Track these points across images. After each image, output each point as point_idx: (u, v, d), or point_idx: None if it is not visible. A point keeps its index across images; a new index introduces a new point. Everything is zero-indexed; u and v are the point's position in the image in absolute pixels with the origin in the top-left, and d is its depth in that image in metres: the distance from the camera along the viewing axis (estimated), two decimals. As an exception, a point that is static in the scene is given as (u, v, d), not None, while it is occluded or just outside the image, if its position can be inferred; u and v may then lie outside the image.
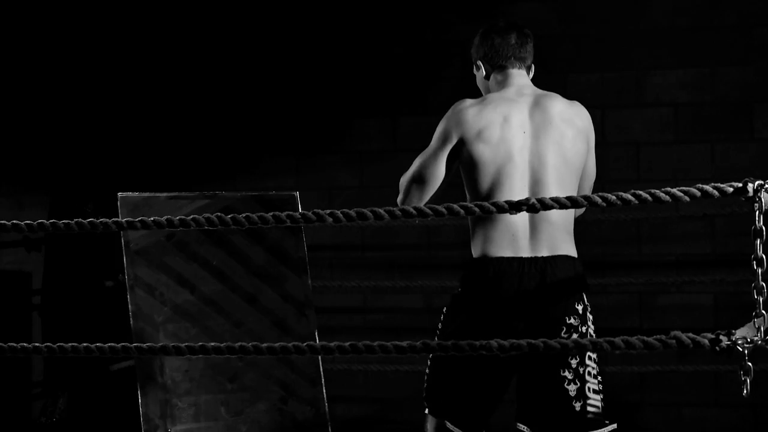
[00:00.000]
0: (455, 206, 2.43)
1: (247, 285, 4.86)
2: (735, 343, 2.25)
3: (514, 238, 3.01)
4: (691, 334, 2.30)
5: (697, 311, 5.50)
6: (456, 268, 5.79)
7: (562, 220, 3.05)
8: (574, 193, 3.07)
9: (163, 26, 6.29)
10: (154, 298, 4.66)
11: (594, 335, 3.11)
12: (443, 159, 3.12)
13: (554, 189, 3.01)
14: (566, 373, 2.99)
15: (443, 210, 2.42)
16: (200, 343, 2.53)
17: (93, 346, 2.54)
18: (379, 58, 5.98)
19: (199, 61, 6.25)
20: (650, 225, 5.56)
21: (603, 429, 3.04)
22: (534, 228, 3.02)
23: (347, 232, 5.90)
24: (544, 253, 3.02)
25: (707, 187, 2.31)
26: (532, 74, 3.34)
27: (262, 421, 4.59)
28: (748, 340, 2.25)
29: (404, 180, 3.21)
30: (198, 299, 4.75)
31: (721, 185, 2.31)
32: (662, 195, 2.33)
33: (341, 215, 2.44)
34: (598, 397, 3.03)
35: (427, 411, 3.17)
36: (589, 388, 3.00)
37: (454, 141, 3.12)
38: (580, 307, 3.05)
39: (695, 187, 2.31)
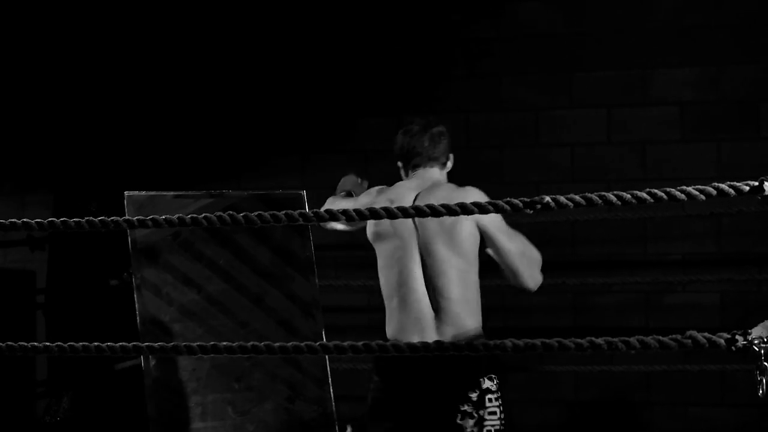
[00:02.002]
0: (467, 206, 2.41)
1: (253, 285, 4.84)
2: (751, 342, 2.23)
3: (417, 321, 3.28)
4: (707, 334, 2.28)
5: (703, 310, 5.49)
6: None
7: (462, 297, 3.30)
8: (469, 279, 3.36)
9: (169, 25, 6.28)
10: (160, 298, 4.64)
11: (495, 413, 3.32)
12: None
13: (445, 277, 3.30)
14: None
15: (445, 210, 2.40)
16: (212, 343, 2.51)
17: (105, 345, 2.52)
18: (384, 57, 5.97)
19: (204, 59, 6.23)
20: (656, 224, 5.55)
21: None
22: (435, 307, 3.28)
23: (352, 232, 5.88)
24: (446, 335, 3.22)
25: (723, 186, 2.29)
26: (450, 165, 3.59)
27: (269, 421, 4.57)
28: (765, 339, 2.23)
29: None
30: (204, 299, 4.74)
31: (737, 184, 2.28)
32: (677, 194, 2.31)
33: (354, 214, 2.42)
34: None
35: None
36: None
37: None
38: (474, 395, 3.25)
39: (711, 186, 2.29)
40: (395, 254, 3.38)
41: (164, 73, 6.26)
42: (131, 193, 4.60)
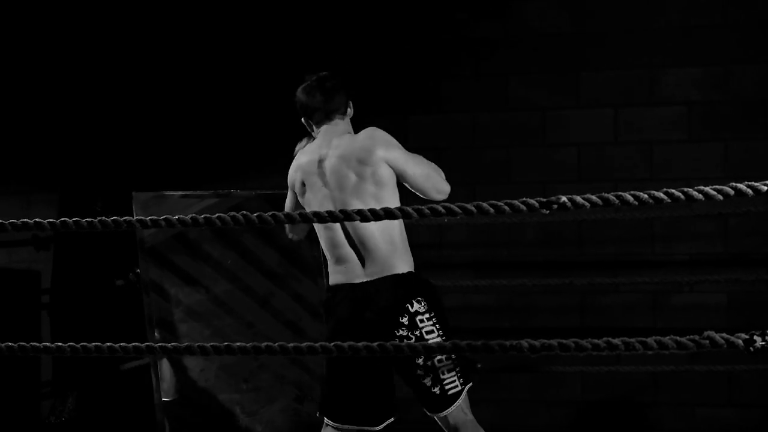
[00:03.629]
0: (468, 206, 2.40)
1: (259, 286, 4.83)
2: (770, 343, 2.22)
3: (346, 269, 3.48)
4: (724, 335, 2.27)
5: (710, 311, 5.48)
6: (467, 267, 5.80)
7: (383, 246, 3.46)
8: (392, 223, 3.49)
9: (175, 25, 6.27)
10: (167, 299, 4.64)
11: (433, 331, 3.45)
12: (292, 205, 3.71)
13: (375, 232, 3.46)
14: (420, 372, 3.44)
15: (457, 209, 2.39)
16: (225, 343, 2.50)
17: (117, 346, 2.51)
18: (391, 56, 5.95)
19: (210, 59, 6.22)
20: (663, 224, 5.54)
21: (464, 393, 3.49)
22: (361, 258, 3.47)
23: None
24: (372, 277, 3.46)
25: (741, 186, 2.28)
26: (350, 112, 3.74)
27: (277, 421, 4.57)
28: (783, 340, 2.22)
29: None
30: (210, 300, 4.73)
31: (755, 183, 2.27)
32: (695, 193, 2.30)
33: (368, 213, 2.41)
34: (452, 373, 3.46)
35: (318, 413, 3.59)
36: (441, 371, 3.44)
37: (293, 190, 3.67)
38: (405, 319, 3.43)
39: (729, 186, 2.29)
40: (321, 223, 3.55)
41: (170, 72, 6.25)
42: (138, 192, 4.60)
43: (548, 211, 2.33)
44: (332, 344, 2.45)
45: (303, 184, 3.58)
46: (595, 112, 5.68)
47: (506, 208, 2.38)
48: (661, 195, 2.31)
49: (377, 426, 3.50)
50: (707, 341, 2.27)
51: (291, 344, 2.48)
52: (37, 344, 2.59)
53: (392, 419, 3.55)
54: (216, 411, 4.50)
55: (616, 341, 2.32)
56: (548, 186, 5.69)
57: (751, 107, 5.49)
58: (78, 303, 6.05)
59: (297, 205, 3.66)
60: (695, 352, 5.27)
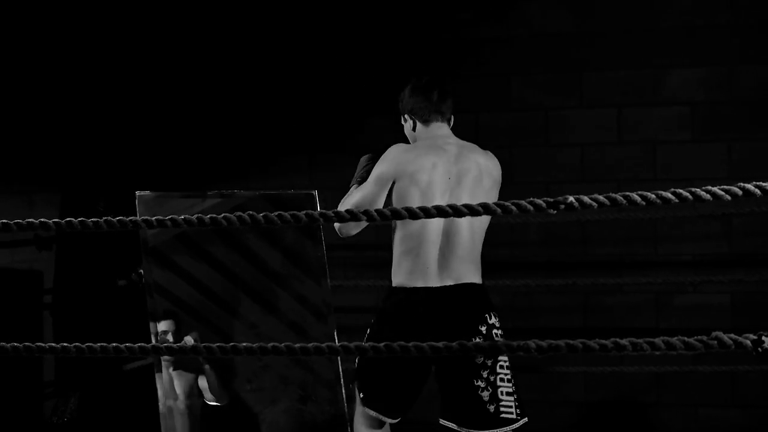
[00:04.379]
0: (475, 206, 2.39)
1: (262, 287, 4.82)
2: (779, 344, 2.21)
3: (426, 271, 3.48)
4: (732, 335, 2.26)
5: (713, 311, 5.47)
6: (470, 267, 5.79)
7: (468, 254, 3.49)
8: (484, 231, 3.57)
9: (176, 25, 6.26)
10: (170, 299, 4.63)
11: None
12: (382, 197, 3.59)
13: (466, 228, 3.48)
14: (479, 383, 3.43)
15: (448, 210, 2.38)
16: (231, 344, 2.50)
17: (123, 346, 2.51)
18: (392, 56, 5.95)
19: (212, 60, 6.22)
20: (667, 224, 5.53)
21: (516, 425, 3.49)
22: (443, 262, 3.48)
23: (361, 231, 5.86)
24: (449, 282, 3.48)
25: (749, 186, 2.27)
26: (452, 123, 3.75)
27: (281, 422, 4.56)
28: (792, 341, 2.22)
29: (341, 209, 3.56)
30: (212, 301, 4.72)
31: (763, 184, 2.27)
32: (703, 194, 2.29)
33: (375, 213, 2.40)
34: (511, 398, 3.48)
35: (360, 401, 3.67)
36: (501, 392, 3.45)
37: (391, 181, 3.56)
38: (483, 328, 3.45)
39: (737, 186, 2.28)
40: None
41: (172, 72, 6.25)
42: (141, 192, 4.59)
43: (555, 212, 2.33)
44: (339, 345, 2.45)
45: (419, 176, 3.51)
46: (598, 112, 5.68)
47: (513, 208, 2.37)
48: (669, 195, 2.31)
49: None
50: (715, 342, 2.26)
51: (283, 344, 2.47)
52: (43, 344, 2.58)
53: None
54: (219, 411, 4.49)
55: (624, 342, 2.31)
56: (551, 186, 5.69)
57: (755, 107, 5.48)
58: (80, 303, 6.04)
59: (379, 201, 3.58)
60: (699, 353, 5.27)
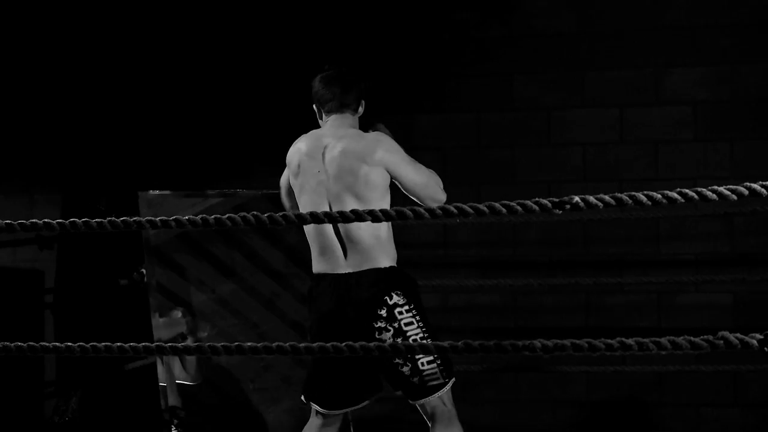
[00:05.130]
0: (476, 206, 2.39)
1: (264, 287, 4.82)
2: (785, 343, 2.21)
3: (330, 258, 3.59)
4: (738, 335, 2.26)
5: (716, 311, 5.47)
6: (473, 266, 5.79)
7: (368, 240, 3.55)
8: (382, 206, 3.55)
9: (178, 24, 6.25)
10: (172, 299, 4.63)
11: (413, 323, 3.59)
12: (287, 188, 3.83)
13: (362, 228, 3.54)
14: (397, 359, 3.55)
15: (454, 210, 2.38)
16: (236, 343, 2.49)
17: (127, 345, 2.50)
18: (395, 55, 5.94)
19: (214, 58, 6.21)
20: (669, 224, 5.53)
21: (444, 388, 3.59)
22: (345, 249, 3.57)
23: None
24: (352, 269, 3.57)
25: (755, 186, 2.26)
26: (361, 110, 3.80)
27: (283, 421, 4.56)
28: (798, 340, 2.21)
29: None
30: (215, 301, 4.72)
31: (770, 183, 2.26)
32: (708, 193, 2.28)
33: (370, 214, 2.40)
34: (433, 365, 3.57)
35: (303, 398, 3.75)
36: (421, 363, 3.55)
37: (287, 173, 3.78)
38: (383, 311, 3.54)
39: (743, 186, 2.27)
40: (309, 206, 3.63)
41: (173, 71, 6.24)
42: (144, 192, 4.59)
43: (561, 211, 2.32)
44: (344, 344, 2.44)
45: (299, 166, 3.68)
46: (600, 111, 5.67)
47: (519, 208, 2.36)
48: (675, 195, 2.30)
49: (359, 404, 3.71)
50: (722, 341, 2.26)
51: (275, 344, 2.47)
52: (47, 344, 2.58)
53: (375, 396, 3.72)
54: (222, 411, 4.49)
55: (630, 341, 2.31)
56: (553, 186, 5.68)
57: (757, 107, 5.48)
58: (82, 302, 6.04)
59: (287, 190, 3.82)
60: (701, 352, 5.26)
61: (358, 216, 2.44)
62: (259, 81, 6.15)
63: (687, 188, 2.31)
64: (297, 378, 4.68)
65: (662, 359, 5.29)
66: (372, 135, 3.69)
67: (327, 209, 3.59)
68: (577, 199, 2.34)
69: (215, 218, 2.50)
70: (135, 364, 5.88)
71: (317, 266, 3.65)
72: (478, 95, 5.81)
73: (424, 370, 3.56)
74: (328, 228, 3.59)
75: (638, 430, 5.59)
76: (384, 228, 3.61)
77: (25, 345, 2.57)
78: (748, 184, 2.28)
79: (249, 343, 2.49)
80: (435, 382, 3.58)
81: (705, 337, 2.27)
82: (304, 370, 4.70)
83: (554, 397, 5.68)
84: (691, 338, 2.27)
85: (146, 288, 4.64)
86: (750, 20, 5.49)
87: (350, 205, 3.55)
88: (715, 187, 2.29)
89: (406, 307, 3.56)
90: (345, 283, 3.57)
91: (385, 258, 3.60)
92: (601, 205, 2.34)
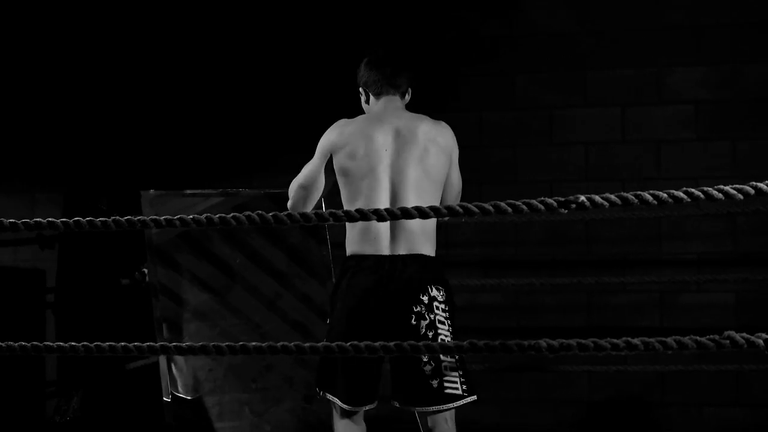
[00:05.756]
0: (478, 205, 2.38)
1: (266, 287, 4.81)
2: (791, 343, 2.20)
3: (377, 239, 3.47)
4: (744, 334, 2.25)
5: (718, 310, 5.46)
6: (474, 266, 5.79)
7: (417, 225, 3.48)
8: (435, 202, 3.54)
9: (179, 24, 6.25)
10: (174, 299, 4.62)
11: (444, 322, 3.49)
12: (322, 171, 3.62)
13: (413, 199, 3.48)
14: (423, 357, 3.43)
15: (457, 210, 2.37)
16: (240, 343, 2.49)
17: (132, 345, 2.50)
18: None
19: (215, 58, 6.21)
20: (671, 223, 5.53)
21: (462, 401, 3.47)
22: (393, 231, 3.48)
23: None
24: (400, 251, 3.48)
25: (761, 185, 2.26)
26: (408, 98, 3.75)
27: (285, 421, 4.55)
28: (804, 340, 2.21)
29: (292, 187, 3.68)
30: (217, 301, 4.71)
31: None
32: (715, 193, 2.28)
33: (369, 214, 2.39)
34: (455, 374, 3.45)
35: (321, 393, 3.60)
36: (445, 367, 3.43)
37: (328, 154, 3.61)
38: (425, 298, 3.46)
39: (749, 185, 2.27)
40: (364, 183, 3.52)
41: (175, 71, 6.24)
42: (147, 191, 4.59)
43: (566, 211, 2.31)
44: (348, 344, 2.44)
45: (354, 149, 3.54)
46: (602, 111, 5.67)
47: (524, 207, 2.36)
48: (681, 194, 2.29)
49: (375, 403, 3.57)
50: (728, 341, 2.25)
51: (279, 344, 2.46)
52: (51, 344, 2.57)
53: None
54: (224, 410, 4.49)
55: (636, 341, 2.30)
56: (555, 185, 5.68)
57: (759, 106, 5.48)
58: (83, 302, 6.04)
59: (321, 174, 3.62)
60: (704, 352, 5.25)
61: (362, 215, 2.43)
62: (261, 80, 6.15)
63: (688, 188, 2.30)
64: (299, 378, 4.68)
65: (665, 359, 5.29)
66: (446, 126, 3.64)
67: (389, 191, 3.50)
68: (583, 198, 2.34)
69: (220, 217, 2.49)
70: (136, 364, 5.88)
71: (358, 246, 3.51)
72: (480, 95, 5.81)
73: (445, 375, 3.44)
74: (381, 206, 3.45)
75: (640, 430, 5.59)
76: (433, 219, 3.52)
77: (29, 345, 2.56)
78: (754, 183, 2.28)
79: (254, 343, 2.48)
80: (454, 392, 3.45)
81: (711, 336, 2.27)
82: (306, 371, 4.70)
83: (556, 397, 5.67)
84: (697, 338, 2.27)
85: (148, 287, 4.64)
86: (752, 19, 5.49)
87: (417, 185, 3.49)
88: (722, 187, 2.29)
89: (443, 306, 3.49)
90: (391, 263, 3.46)
91: (431, 247, 3.54)
92: (607, 204, 2.33)
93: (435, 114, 5.83)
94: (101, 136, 6.27)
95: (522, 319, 5.73)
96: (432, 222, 3.55)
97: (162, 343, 2.47)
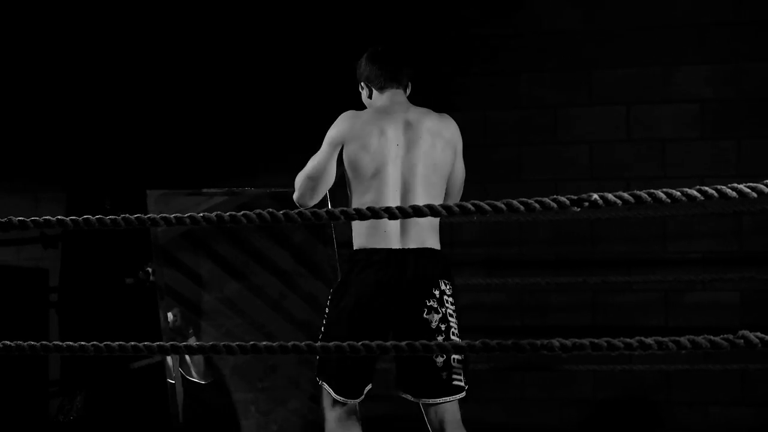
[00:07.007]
0: (475, 204, 2.37)
1: (270, 287, 4.81)
2: (806, 342, 2.19)
3: (387, 234, 3.46)
4: (759, 334, 2.24)
5: (723, 309, 5.45)
6: (479, 265, 5.78)
7: (427, 220, 3.45)
8: (441, 196, 3.57)
9: (183, 23, 6.24)
10: (177, 299, 4.62)
11: (452, 316, 3.51)
12: (333, 162, 3.57)
13: (422, 194, 3.49)
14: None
15: (461, 209, 2.36)
16: (251, 342, 2.48)
17: (141, 345, 2.48)
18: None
19: (220, 57, 6.20)
20: (676, 222, 5.52)
21: (462, 393, 3.49)
22: (403, 225, 3.47)
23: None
24: (411, 245, 3.47)
25: (761, 185, 2.24)
26: (409, 91, 3.74)
27: (292, 420, 4.55)
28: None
29: (299, 178, 3.64)
30: (221, 301, 4.71)
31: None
32: (728, 191, 2.27)
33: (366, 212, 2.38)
34: (461, 366, 3.49)
35: (319, 381, 3.57)
36: (454, 359, 3.45)
37: (340, 146, 3.57)
38: (437, 292, 3.48)
39: (763, 183, 2.25)
40: (374, 176, 3.50)
41: (178, 70, 6.23)
42: (152, 190, 4.58)
43: (579, 209, 2.30)
44: (360, 344, 2.43)
45: (366, 142, 3.51)
46: (607, 109, 5.66)
47: (536, 205, 2.35)
48: (694, 192, 2.28)
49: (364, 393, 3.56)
50: (741, 341, 2.24)
51: (276, 343, 2.45)
52: (59, 343, 2.56)
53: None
54: (230, 410, 4.48)
55: (649, 340, 2.29)
56: (560, 184, 5.67)
57: (764, 105, 5.47)
58: (87, 301, 6.02)
59: (331, 165, 3.57)
60: (709, 351, 5.24)
61: (374, 214, 2.42)
62: (265, 79, 6.14)
63: (693, 186, 2.29)
64: (304, 378, 4.67)
65: (670, 358, 5.29)
66: (452, 121, 3.65)
67: (400, 186, 3.49)
68: (596, 196, 2.32)
69: (230, 215, 2.48)
70: (140, 363, 5.87)
71: (367, 240, 3.48)
72: (485, 93, 5.80)
73: (454, 367, 3.45)
74: (391, 202, 3.47)
75: (645, 429, 5.58)
76: None
77: (38, 344, 2.55)
78: (767, 181, 2.27)
79: (264, 343, 2.47)
80: (459, 384, 3.47)
81: (725, 336, 2.26)
82: (312, 372, 4.70)
83: (561, 396, 5.66)
84: (711, 337, 2.26)
85: (152, 286, 4.63)
86: (757, 18, 5.47)
87: (426, 179, 3.50)
88: (735, 185, 2.28)
89: (451, 300, 3.51)
90: (403, 257, 3.45)
91: (437, 240, 3.55)
92: (620, 202, 2.32)
93: (440, 112, 5.85)
94: (105, 135, 6.26)
95: (527, 318, 5.72)
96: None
97: (172, 342, 2.46)
